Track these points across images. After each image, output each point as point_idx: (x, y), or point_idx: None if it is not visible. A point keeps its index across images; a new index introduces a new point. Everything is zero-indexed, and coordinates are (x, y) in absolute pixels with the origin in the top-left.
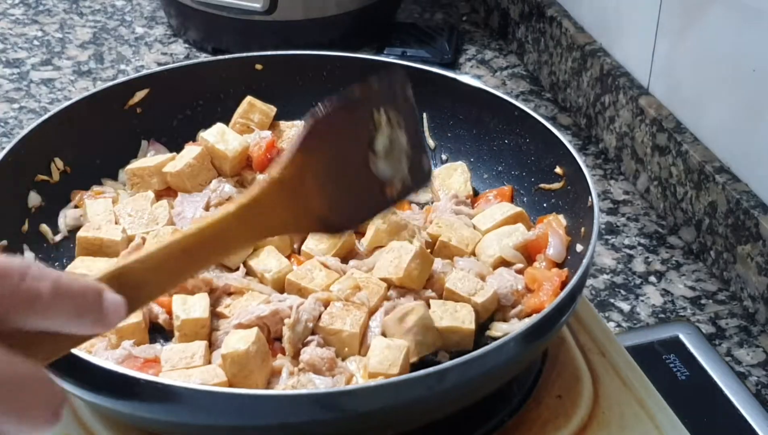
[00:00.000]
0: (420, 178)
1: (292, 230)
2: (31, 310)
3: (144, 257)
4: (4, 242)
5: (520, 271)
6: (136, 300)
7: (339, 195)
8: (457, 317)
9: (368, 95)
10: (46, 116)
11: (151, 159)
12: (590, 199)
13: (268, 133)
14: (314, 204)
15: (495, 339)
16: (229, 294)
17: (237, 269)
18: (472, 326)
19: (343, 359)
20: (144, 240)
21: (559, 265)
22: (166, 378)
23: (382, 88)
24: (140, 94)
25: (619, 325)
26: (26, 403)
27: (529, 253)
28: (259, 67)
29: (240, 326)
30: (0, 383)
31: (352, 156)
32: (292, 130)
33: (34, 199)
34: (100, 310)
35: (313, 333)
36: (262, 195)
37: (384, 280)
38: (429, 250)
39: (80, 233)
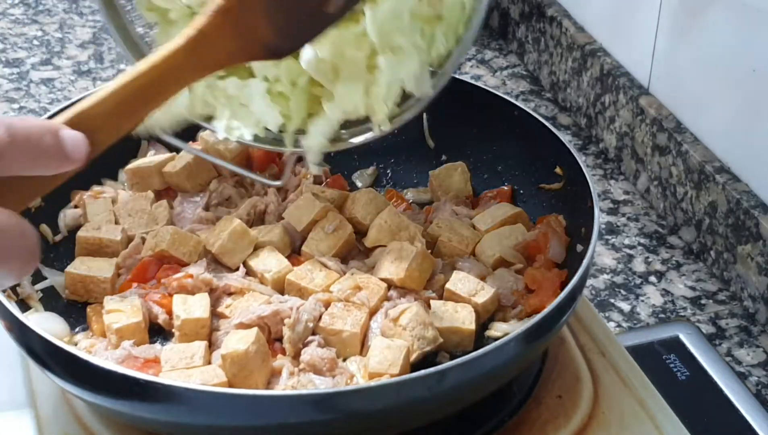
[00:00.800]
0: None
1: (239, 59)
2: None
3: (98, 100)
4: None
5: (520, 272)
6: (96, 144)
7: (281, 16)
8: (458, 318)
9: None
10: (45, 116)
11: (151, 159)
12: (590, 199)
13: None
14: (259, 30)
15: (495, 339)
16: (230, 294)
17: (237, 269)
18: (473, 327)
19: (344, 359)
20: (144, 240)
21: (559, 266)
22: (166, 378)
23: None
24: None
25: (619, 325)
26: (3, 249)
27: (529, 253)
28: None
29: (240, 326)
30: None
31: None
32: None
33: None
34: (61, 146)
35: (313, 333)
36: (207, 26)
37: (385, 280)
38: (429, 251)
39: (80, 233)
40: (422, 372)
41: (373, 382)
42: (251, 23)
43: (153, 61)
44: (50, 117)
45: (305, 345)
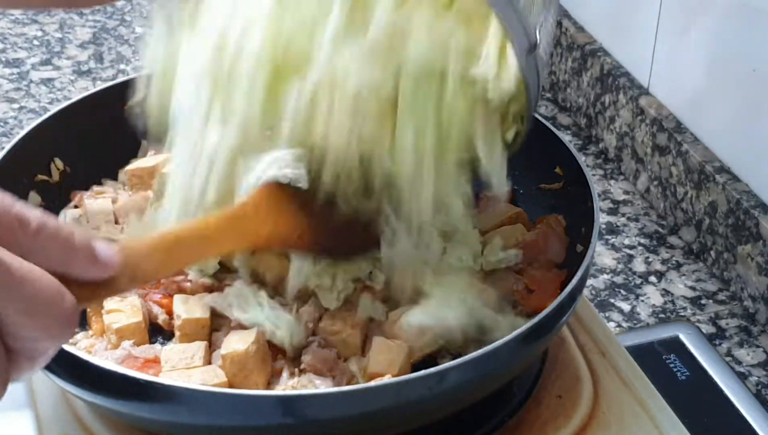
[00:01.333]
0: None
1: (281, 243)
2: (21, 231)
3: (137, 240)
4: None
5: (519, 272)
6: (129, 278)
7: (323, 225)
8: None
9: None
10: (45, 116)
11: (151, 159)
12: (590, 199)
13: None
14: (301, 225)
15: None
16: None
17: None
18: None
19: (345, 360)
20: None
21: (559, 266)
22: (166, 378)
23: None
24: (140, 96)
25: (619, 325)
26: (38, 313)
27: (528, 253)
28: None
29: (240, 327)
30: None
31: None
32: None
33: (34, 199)
34: (92, 252)
35: (313, 334)
36: (244, 209)
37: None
38: None
39: None
40: (422, 372)
41: (373, 383)
42: (291, 218)
43: (194, 222)
44: (50, 117)
45: (305, 345)
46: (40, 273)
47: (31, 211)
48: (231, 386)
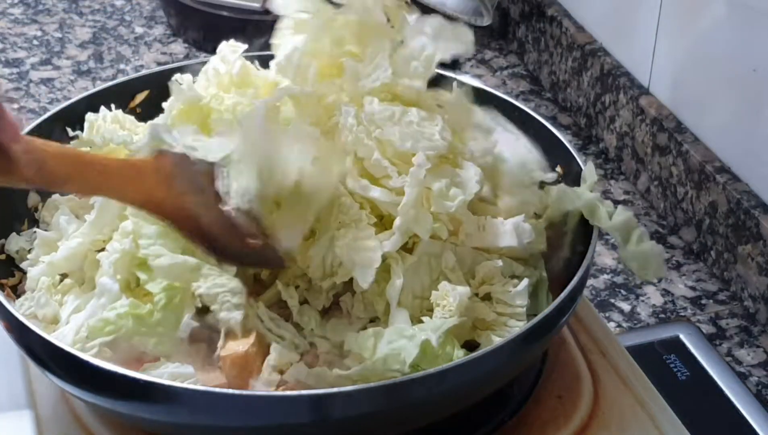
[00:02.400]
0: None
1: (170, 214)
2: None
3: (49, 143)
4: (3, 241)
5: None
6: (35, 171)
7: (209, 216)
8: None
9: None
10: (45, 116)
11: None
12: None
13: None
14: (189, 209)
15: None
16: None
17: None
18: None
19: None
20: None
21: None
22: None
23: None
24: (140, 97)
25: (619, 325)
26: None
27: None
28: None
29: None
30: None
31: (209, 192)
32: None
33: (33, 199)
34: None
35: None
36: (142, 164)
37: None
38: None
39: None
40: (422, 373)
41: (372, 383)
42: (181, 198)
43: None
44: (50, 116)
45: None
46: None
47: None
48: (231, 387)
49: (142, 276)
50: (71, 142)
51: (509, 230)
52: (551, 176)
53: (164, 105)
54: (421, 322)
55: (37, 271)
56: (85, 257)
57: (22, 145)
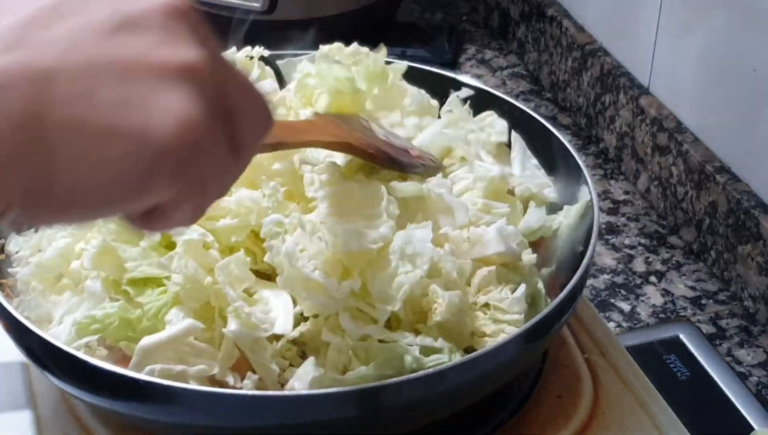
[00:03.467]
0: (434, 159)
1: (357, 145)
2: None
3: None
4: (3, 241)
5: None
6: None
7: (375, 142)
8: None
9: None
10: None
11: None
12: (590, 199)
13: None
14: (363, 138)
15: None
16: None
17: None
18: None
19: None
20: None
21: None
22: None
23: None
24: None
25: (619, 325)
26: None
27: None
28: None
29: None
30: None
31: (364, 131)
32: None
33: None
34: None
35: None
36: (311, 120)
37: None
38: None
39: None
40: (422, 372)
41: (372, 384)
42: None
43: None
44: None
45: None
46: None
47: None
48: None
49: (132, 291)
50: None
51: (494, 236)
52: (554, 196)
53: None
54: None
55: (26, 273)
56: (76, 257)
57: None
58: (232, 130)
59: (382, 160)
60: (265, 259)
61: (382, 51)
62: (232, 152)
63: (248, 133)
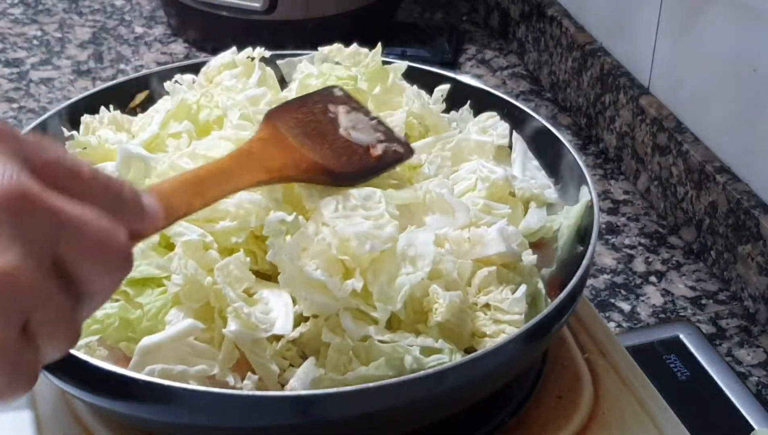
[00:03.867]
0: (402, 146)
1: (293, 174)
2: (75, 180)
3: (162, 182)
4: None
5: None
6: (164, 217)
7: (326, 151)
8: None
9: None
10: (45, 116)
11: None
12: (590, 200)
13: None
14: (308, 155)
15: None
16: None
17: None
18: None
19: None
20: None
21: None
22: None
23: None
24: (140, 97)
25: (619, 325)
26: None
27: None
28: None
29: None
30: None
31: (322, 127)
32: None
33: None
34: (139, 202)
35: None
36: (249, 147)
37: None
38: None
39: None
40: (422, 373)
41: (371, 384)
42: (295, 149)
43: (209, 164)
44: (50, 116)
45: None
46: (93, 213)
47: (83, 162)
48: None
49: (131, 291)
50: (67, 143)
51: (495, 237)
52: (554, 197)
53: (151, 109)
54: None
55: None
56: None
57: (150, 215)
58: (66, 281)
59: (323, 180)
60: (267, 257)
61: (378, 48)
62: (72, 301)
63: (91, 282)
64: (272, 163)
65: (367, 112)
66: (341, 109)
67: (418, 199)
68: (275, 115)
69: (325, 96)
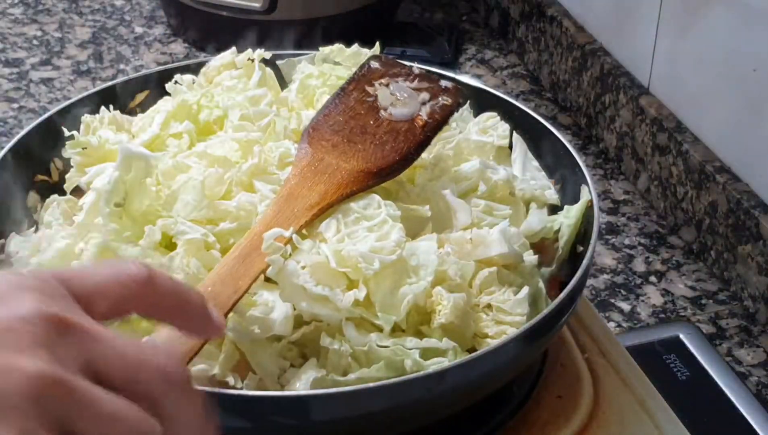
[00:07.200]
0: (450, 94)
1: (335, 199)
2: (146, 289)
3: (210, 276)
4: (3, 241)
5: None
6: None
7: (368, 148)
8: None
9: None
10: (45, 116)
11: None
12: (590, 200)
13: None
14: (347, 166)
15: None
16: None
17: None
18: None
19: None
20: None
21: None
22: None
23: (361, 72)
24: (140, 97)
25: (619, 325)
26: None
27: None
28: None
29: None
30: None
31: (362, 120)
32: None
33: (33, 199)
34: (206, 313)
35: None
36: (289, 190)
37: None
38: None
39: None
40: (422, 373)
41: (371, 383)
42: (335, 166)
43: (248, 235)
44: (50, 116)
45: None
46: (128, 408)
47: (155, 267)
48: None
49: None
50: (67, 143)
51: (497, 238)
52: (555, 198)
53: (151, 110)
54: (419, 331)
55: None
56: (76, 257)
57: (217, 328)
58: None
59: (366, 186)
60: (268, 273)
61: (376, 47)
62: None
63: None
64: (313, 197)
65: (408, 72)
66: (379, 86)
67: (420, 212)
68: (311, 134)
69: (361, 77)
